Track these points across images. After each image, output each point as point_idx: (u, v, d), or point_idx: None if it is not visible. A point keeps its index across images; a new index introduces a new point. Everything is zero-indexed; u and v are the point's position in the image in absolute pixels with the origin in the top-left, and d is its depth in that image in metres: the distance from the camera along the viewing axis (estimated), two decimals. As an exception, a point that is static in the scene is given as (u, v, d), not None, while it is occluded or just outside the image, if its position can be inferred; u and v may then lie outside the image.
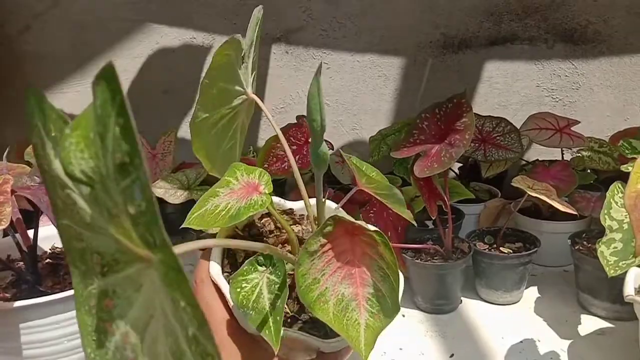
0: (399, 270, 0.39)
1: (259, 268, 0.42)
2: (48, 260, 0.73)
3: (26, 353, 0.61)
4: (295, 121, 0.98)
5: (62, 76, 1.29)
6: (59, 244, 0.76)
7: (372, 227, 0.39)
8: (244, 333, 0.43)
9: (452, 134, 0.81)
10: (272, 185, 0.45)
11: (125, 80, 1.35)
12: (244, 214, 0.41)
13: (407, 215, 0.48)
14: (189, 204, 0.92)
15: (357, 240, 0.39)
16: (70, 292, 0.60)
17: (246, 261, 0.42)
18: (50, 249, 0.76)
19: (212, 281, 0.44)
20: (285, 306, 0.41)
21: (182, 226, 0.43)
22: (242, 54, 0.45)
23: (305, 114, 0.42)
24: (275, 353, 0.37)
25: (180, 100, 1.34)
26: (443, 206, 0.85)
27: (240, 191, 0.43)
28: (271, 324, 0.38)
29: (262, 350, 0.42)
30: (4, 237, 0.74)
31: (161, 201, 0.96)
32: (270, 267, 0.42)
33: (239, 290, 0.40)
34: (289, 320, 0.43)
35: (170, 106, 1.35)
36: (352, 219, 0.40)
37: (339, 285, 0.37)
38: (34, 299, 0.59)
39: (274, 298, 0.40)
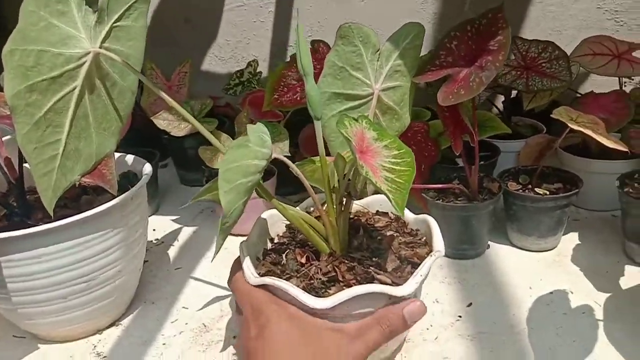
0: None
1: None
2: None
3: (10, 287, 0.59)
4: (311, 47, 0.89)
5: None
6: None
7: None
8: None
9: (485, 55, 0.70)
10: None
11: (149, 10, 1.29)
12: None
13: None
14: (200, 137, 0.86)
15: None
16: (52, 225, 0.56)
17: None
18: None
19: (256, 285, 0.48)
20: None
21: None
22: None
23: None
24: None
25: (201, 30, 1.27)
26: (470, 141, 0.75)
27: None
28: None
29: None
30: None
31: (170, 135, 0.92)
32: None
33: None
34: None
35: (191, 36, 1.28)
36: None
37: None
38: (11, 232, 0.56)
39: None
